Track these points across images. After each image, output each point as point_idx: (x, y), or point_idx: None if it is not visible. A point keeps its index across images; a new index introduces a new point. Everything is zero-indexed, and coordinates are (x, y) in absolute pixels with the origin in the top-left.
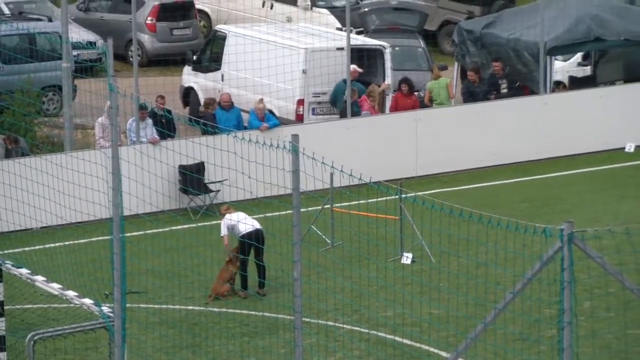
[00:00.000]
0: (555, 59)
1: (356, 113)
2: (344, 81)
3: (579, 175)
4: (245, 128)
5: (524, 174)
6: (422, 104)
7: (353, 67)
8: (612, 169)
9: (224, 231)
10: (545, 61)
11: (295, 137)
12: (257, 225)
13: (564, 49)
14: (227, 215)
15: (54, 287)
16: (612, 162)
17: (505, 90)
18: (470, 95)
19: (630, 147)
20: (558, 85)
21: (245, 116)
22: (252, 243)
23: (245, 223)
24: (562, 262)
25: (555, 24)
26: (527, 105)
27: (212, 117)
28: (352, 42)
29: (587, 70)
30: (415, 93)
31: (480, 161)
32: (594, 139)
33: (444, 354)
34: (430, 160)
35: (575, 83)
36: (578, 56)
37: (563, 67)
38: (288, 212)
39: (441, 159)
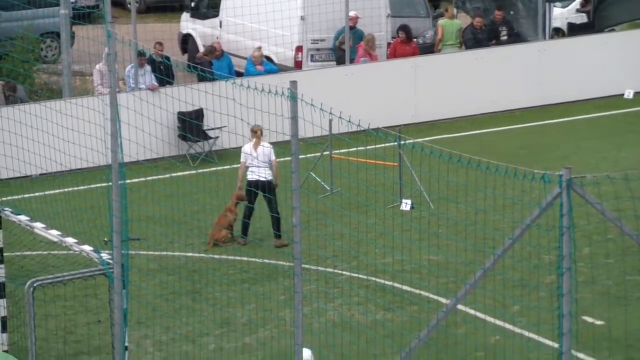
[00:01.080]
0: (554, 6)
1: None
2: (352, 27)
3: (578, 122)
4: (241, 74)
5: (523, 120)
6: (421, 50)
7: (353, 12)
8: (611, 115)
9: (242, 159)
10: (544, 8)
11: (294, 83)
12: (262, 176)
13: None
14: (246, 145)
15: (53, 234)
16: (611, 109)
17: (505, 37)
18: (475, 41)
19: (629, 94)
20: (557, 32)
21: (242, 62)
22: (256, 192)
23: (252, 171)
24: (561, 208)
25: None
26: (526, 53)
27: (209, 64)
28: None
29: (586, 17)
30: (414, 40)
31: (479, 108)
32: (592, 85)
33: (443, 300)
34: (429, 107)
35: (574, 30)
36: (577, 3)
37: (562, 14)
38: (287, 158)
39: (440, 106)
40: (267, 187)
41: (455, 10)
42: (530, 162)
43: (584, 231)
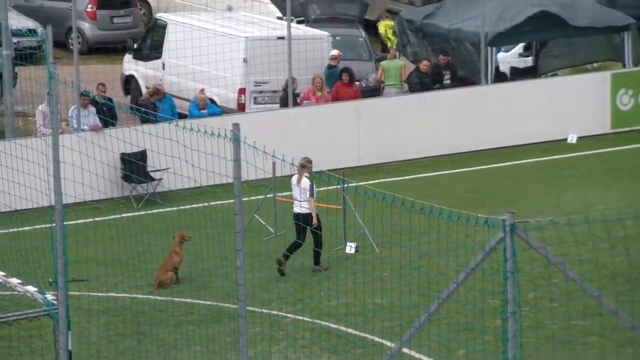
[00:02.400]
0: (497, 50)
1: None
2: (329, 67)
3: (521, 166)
4: (184, 116)
5: (467, 164)
6: (363, 94)
7: (336, 51)
8: (555, 159)
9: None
10: (487, 52)
11: (236, 125)
12: (303, 209)
13: (505, 40)
14: (293, 177)
15: None
16: (554, 153)
17: (448, 81)
18: (421, 85)
19: (572, 138)
20: (500, 76)
21: (185, 104)
22: (298, 224)
23: (294, 204)
24: (505, 252)
25: (497, 14)
26: (469, 96)
27: (152, 105)
28: (293, 31)
29: (529, 61)
30: (357, 83)
31: (422, 151)
32: (536, 129)
33: (388, 343)
34: (372, 150)
35: (517, 74)
36: (520, 47)
37: (504, 58)
38: (231, 201)
39: (384, 149)
40: (303, 220)
41: (396, 54)
42: (475, 206)
43: (529, 275)
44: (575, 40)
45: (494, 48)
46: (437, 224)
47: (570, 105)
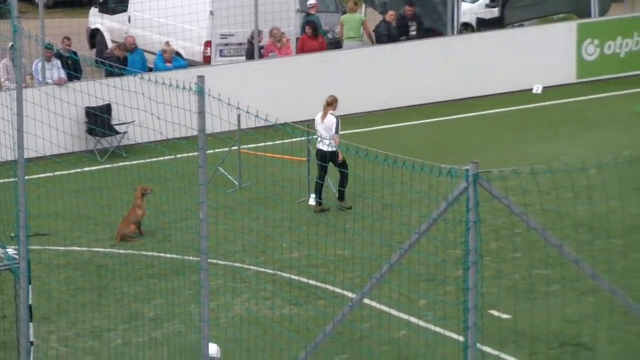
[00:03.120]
0: (463, 1)
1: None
2: (307, 15)
3: (487, 116)
4: (151, 69)
5: (432, 115)
6: (332, 45)
7: (314, 1)
8: (520, 110)
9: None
10: (453, 3)
11: (201, 78)
12: (326, 147)
13: None
14: (317, 115)
15: None
16: (519, 104)
17: (414, 33)
18: (388, 36)
19: (537, 89)
20: (466, 27)
21: (151, 57)
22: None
23: (318, 141)
24: (468, 202)
25: None
26: (435, 47)
27: (117, 59)
28: None
29: (495, 12)
30: (325, 34)
31: (388, 102)
32: (501, 80)
33: (350, 294)
34: (339, 102)
35: (483, 25)
36: None
37: (471, 9)
38: (195, 153)
39: (349, 100)
40: (329, 158)
41: (363, 6)
42: (439, 156)
43: (492, 226)
44: None
45: None
46: (400, 174)
47: (535, 56)
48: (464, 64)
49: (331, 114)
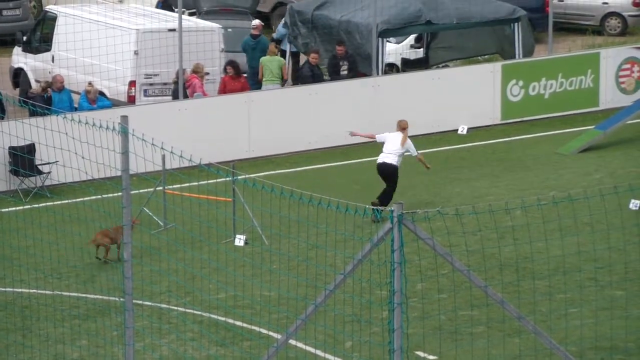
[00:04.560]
0: (388, 41)
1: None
2: (252, 37)
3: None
4: (76, 109)
5: (357, 156)
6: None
7: (257, 21)
8: (445, 150)
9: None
10: (378, 43)
11: (125, 118)
12: (386, 160)
13: (396, 32)
14: (386, 134)
15: None
16: (445, 144)
17: (345, 72)
18: (313, 77)
19: (463, 129)
20: (391, 68)
21: (76, 97)
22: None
23: (383, 154)
24: (393, 243)
25: (388, 5)
26: (360, 88)
27: (41, 98)
28: (185, 23)
29: (420, 53)
30: (245, 75)
31: (313, 143)
32: (426, 121)
33: (276, 335)
34: (263, 142)
35: (408, 65)
36: (411, 38)
37: (396, 50)
38: (119, 194)
39: (274, 141)
40: (391, 170)
41: (274, 46)
42: (364, 197)
43: (417, 266)
44: (466, 32)
45: (384, 39)
46: (326, 215)
47: (461, 97)
48: (390, 105)
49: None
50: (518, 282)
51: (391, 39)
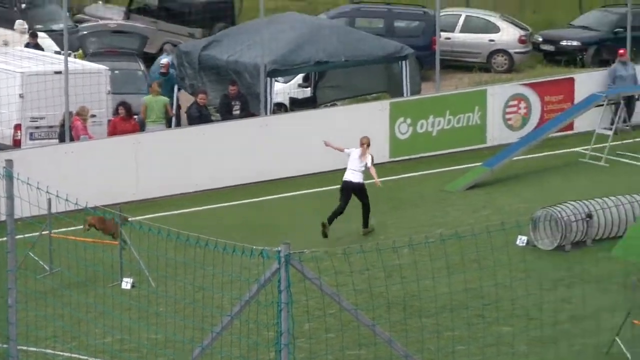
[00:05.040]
0: (276, 81)
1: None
2: (162, 74)
3: (301, 196)
4: None
5: (245, 196)
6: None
7: (165, 60)
8: (333, 190)
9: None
10: (266, 83)
11: (9, 162)
12: (352, 178)
13: (284, 72)
14: (352, 149)
15: None
16: (333, 184)
17: (237, 112)
18: (200, 117)
19: None
20: (280, 107)
21: None
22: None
23: (348, 171)
24: (279, 283)
25: (276, 45)
26: (248, 127)
27: None
28: (71, 66)
29: (308, 92)
30: (135, 117)
31: (201, 184)
32: (315, 160)
33: None
34: (150, 184)
35: (296, 104)
36: (299, 78)
37: (284, 89)
38: (4, 238)
39: (162, 182)
40: (357, 188)
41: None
42: (252, 238)
43: (305, 306)
44: (354, 71)
45: (272, 79)
46: (212, 256)
47: (349, 135)
48: (279, 144)
49: (369, 153)
50: (405, 321)
51: (279, 78)
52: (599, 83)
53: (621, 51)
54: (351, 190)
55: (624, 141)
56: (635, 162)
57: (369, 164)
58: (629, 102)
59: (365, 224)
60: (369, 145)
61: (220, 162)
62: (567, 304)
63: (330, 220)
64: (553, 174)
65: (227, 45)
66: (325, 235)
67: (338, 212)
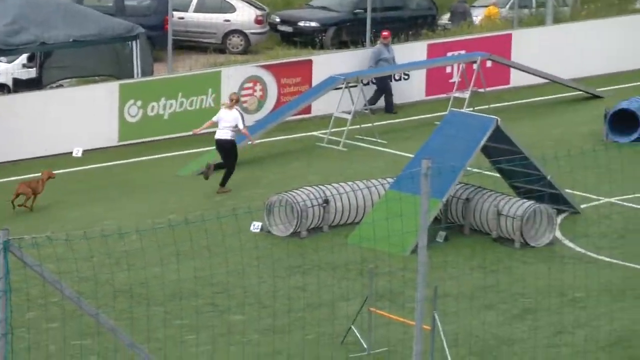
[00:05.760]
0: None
1: None
2: None
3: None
4: None
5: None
6: None
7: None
8: (60, 174)
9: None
10: None
11: None
12: (221, 135)
13: (7, 52)
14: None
15: None
16: (59, 168)
17: None
18: None
19: (77, 152)
20: (3, 88)
21: None
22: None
23: (218, 130)
24: None
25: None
26: None
27: None
28: None
29: (33, 72)
30: None
31: None
32: (40, 143)
33: None
34: None
35: (21, 85)
36: (23, 58)
37: (7, 69)
38: None
39: None
40: (225, 146)
41: None
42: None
43: (26, 295)
44: (83, 51)
45: None
46: None
47: (76, 117)
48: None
49: (236, 109)
50: (132, 309)
51: (2, 58)
52: (338, 65)
53: (385, 33)
54: (223, 147)
55: (363, 125)
56: (373, 147)
57: (241, 125)
58: (384, 84)
59: (223, 182)
60: (237, 101)
61: None
62: (302, 292)
63: (223, 183)
64: (292, 159)
65: None
66: (206, 177)
67: (228, 172)
